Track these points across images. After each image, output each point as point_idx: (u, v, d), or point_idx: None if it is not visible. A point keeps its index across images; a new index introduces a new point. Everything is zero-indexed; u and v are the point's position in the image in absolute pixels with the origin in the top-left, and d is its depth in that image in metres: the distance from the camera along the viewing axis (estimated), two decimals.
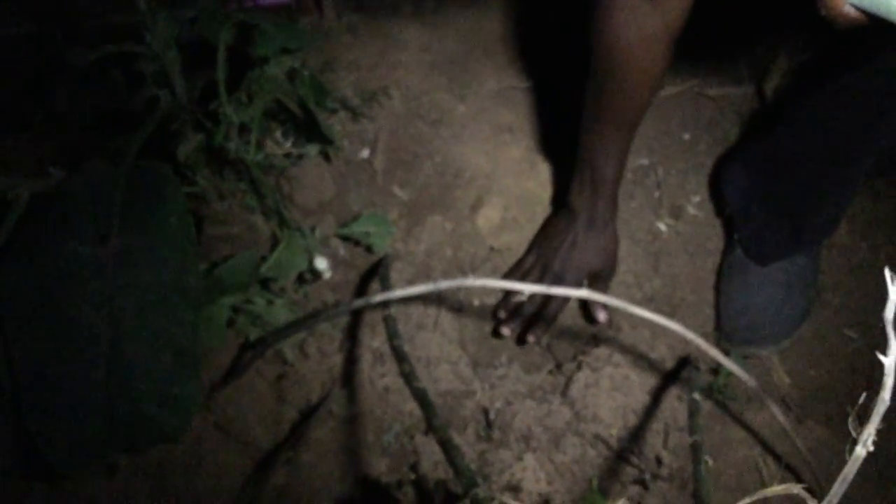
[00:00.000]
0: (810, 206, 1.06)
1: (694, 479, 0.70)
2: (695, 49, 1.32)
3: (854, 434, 0.51)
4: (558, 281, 1.08)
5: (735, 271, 1.15)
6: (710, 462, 0.72)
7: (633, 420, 1.03)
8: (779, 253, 1.12)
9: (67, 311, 0.78)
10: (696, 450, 0.75)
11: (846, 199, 1.06)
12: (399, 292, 0.93)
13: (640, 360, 1.12)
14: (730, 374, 1.11)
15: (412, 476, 0.89)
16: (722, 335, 1.15)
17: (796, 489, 0.54)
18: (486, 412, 1.03)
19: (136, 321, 0.78)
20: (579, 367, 1.08)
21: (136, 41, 0.92)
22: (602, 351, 1.10)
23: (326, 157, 1.18)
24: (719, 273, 1.18)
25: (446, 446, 0.72)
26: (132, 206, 0.83)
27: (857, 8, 0.70)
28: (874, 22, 0.70)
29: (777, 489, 0.55)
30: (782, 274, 1.13)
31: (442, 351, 1.07)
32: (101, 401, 0.77)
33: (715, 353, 0.94)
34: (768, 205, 1.11)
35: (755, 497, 0.58)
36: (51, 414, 0.78)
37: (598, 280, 1.10)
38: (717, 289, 1.18)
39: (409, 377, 0.84)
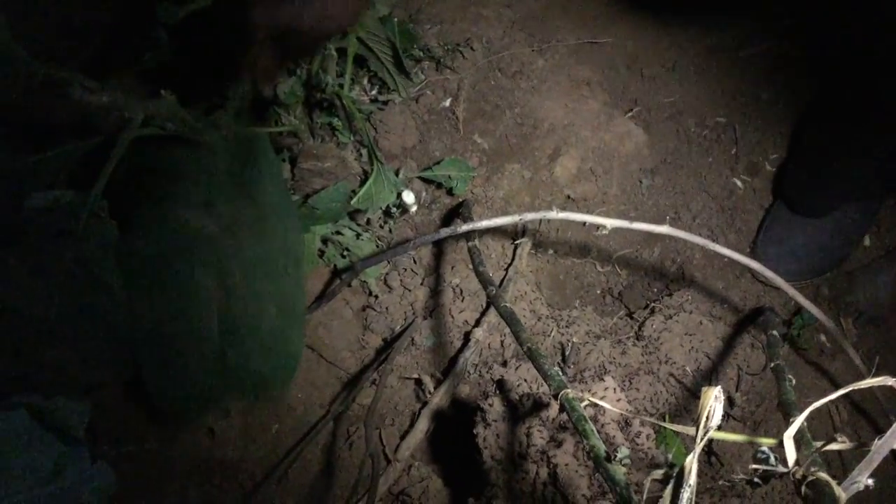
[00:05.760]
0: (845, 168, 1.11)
1: (779, 393, 0.72)
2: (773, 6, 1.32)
3: None
4: None
5: (781, 214, 1.20)
6: (793, 381, 0.74)
7: (705, 363, 1.04)
8: (822, 208, 1.16)
9: (181, 275, 0.84)
10: (778, 371, 0.77)
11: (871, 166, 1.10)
12: (484, 222, 0.97)
13: (714, 308, 1.14)
14: (803, 325, 1.12)
15: (495, 391, 0.92)
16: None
17: (892, 381, 0.56)
18: (562, 349, 1.06)
19: (244, 283, 0.85)
20: (652, 313, 1.10)
21: None
22: (674, 300, 1.12)
23: (409, 105, 1.22)
24: (763, 220, 1.22)
25: (534, 355, 0.75)
26: (234, 174, 0.89)
27: None
28: None
29: (873, 381, 0.57)
30: (830, 221, 1.17)
31: (519, 290, 1.11)
32: (214, 354, 0.84)
33: (794, 294, 0.96)
34: (811, 166, 1.16)
35: (848, 388, 0.60)
36: (167, 366, 0.85)
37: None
38: (759, 228, 1.21)
39: (495, 299, 0.87)
